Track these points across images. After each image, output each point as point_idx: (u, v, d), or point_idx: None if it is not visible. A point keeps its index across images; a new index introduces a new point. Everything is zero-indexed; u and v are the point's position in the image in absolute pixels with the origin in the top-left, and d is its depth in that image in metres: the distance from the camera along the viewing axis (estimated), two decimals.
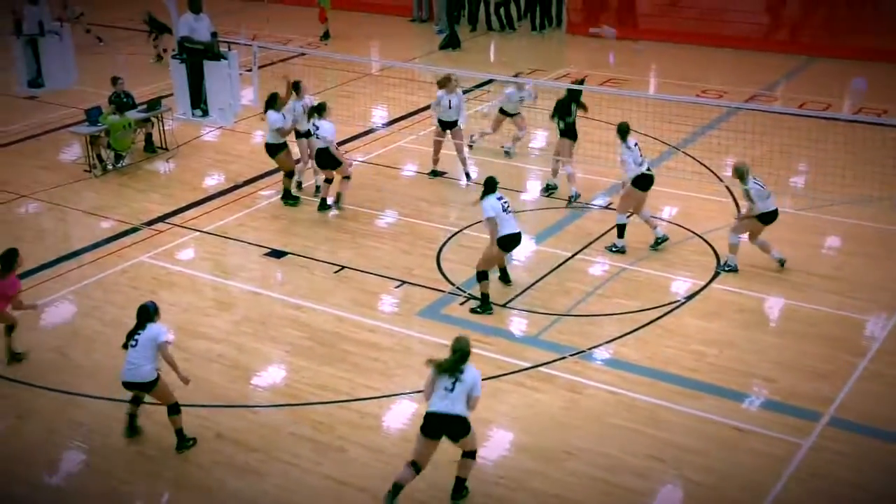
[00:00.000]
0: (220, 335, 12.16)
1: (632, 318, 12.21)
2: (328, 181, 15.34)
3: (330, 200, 15.36)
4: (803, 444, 9.91)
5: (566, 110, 15.47)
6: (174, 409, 10.06)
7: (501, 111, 17.26)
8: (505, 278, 13.09)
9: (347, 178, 15.34)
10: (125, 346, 9.93)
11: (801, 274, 13.14)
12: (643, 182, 13.61)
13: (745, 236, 13.15)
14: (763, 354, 11.45)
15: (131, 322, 12.24)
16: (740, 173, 12.96)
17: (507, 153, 17.35)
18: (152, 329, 9.86)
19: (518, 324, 12.25)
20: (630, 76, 22.09)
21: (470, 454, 9.14)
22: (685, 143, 17.64)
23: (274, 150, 15.50)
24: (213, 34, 16.05)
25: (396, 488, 8.94)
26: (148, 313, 9.97)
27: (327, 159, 15.02)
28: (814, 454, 9.78)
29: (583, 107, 15.60)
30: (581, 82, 17.17)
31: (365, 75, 22.57)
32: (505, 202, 12.32)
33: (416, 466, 8.96)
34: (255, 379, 11.30)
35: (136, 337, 9.83)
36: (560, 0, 26.61)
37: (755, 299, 12.58)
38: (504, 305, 12.62)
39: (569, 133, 15.55)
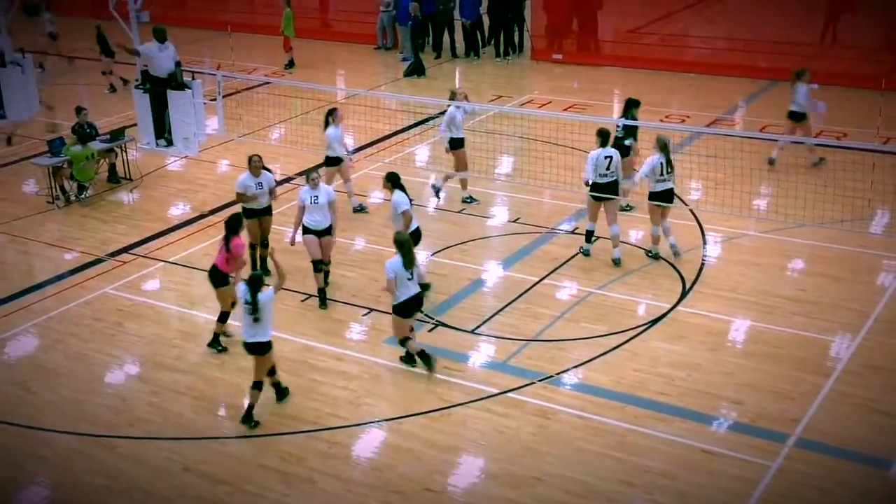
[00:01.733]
0: (187, 366, 12.06)
1: (599, 343, 12.25)
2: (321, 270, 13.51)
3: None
4: (771, 465, 9.96)
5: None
6: (273, 371, 11.17)
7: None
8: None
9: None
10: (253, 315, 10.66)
11: (766, 296, 13.25)
12: (594, 190, 14.00)
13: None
14: (730, 377, 11.52)
15: (98, 355, 12.27)
16: (661, 144, 13.79)
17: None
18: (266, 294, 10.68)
19: (486, 349, 12.24)
20: (593, 102, 22.26)
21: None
22: None
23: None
24: (177, 63, 16.04)
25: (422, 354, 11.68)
26: (260, 282, 10.65)
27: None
28: (782, 476, 9.83)
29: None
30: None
31: (330, 103, 22.54)
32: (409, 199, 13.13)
33: (407, 339, 11.71)
34: (222, 410, 11.21)
35: (258, 306, 10.59)
36: (522, 27, 26.80)
37: (721, 321, 12.66)
38: (472, 331, 12.62)
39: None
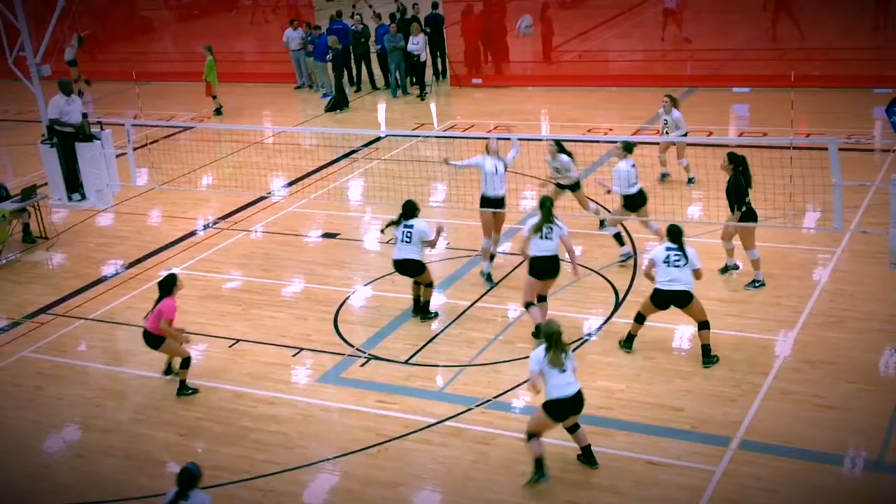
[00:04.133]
0: (112, 426, 11.56)
1: None
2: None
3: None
4: (716, 470, 9.76)
5: (744, 191, 13.04)
6: (430, 284, 13.14)
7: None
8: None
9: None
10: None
11: (700, 300, 13.10)
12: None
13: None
14: (669, 384, 11.33)
15: (17, 422, 11.74)
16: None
17: None
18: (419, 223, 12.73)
19: (421, 379, 11.93)
20: (517, 122, 22.19)
21: (577, 426, 9.96)
22: None
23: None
24: (84, 115, 15.60)
25: (538, 462, 9.72)
26: (413, 210, 12.76)
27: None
28: (728, 480, 9.63)
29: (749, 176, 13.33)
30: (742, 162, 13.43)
31: (254, 143, 22.24)
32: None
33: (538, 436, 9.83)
34: (149, 468, 10.71)
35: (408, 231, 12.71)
36: (444, 55, 26.67)
37: (657, 329, 12.46)
38: (406, 362, 12.30)
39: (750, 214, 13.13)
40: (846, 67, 22.57)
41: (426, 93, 25.47)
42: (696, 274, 11.56)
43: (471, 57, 26.73)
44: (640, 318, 11.97)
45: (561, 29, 27.47)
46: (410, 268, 13.05)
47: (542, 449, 9.73)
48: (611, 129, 20.88)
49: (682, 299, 11.53)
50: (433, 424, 10.93)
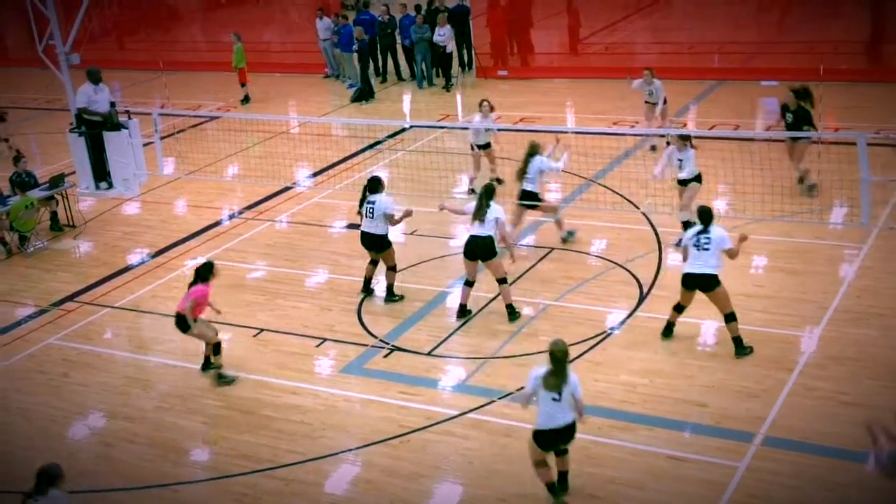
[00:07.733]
0: (136, 413, 11.67)
1: None
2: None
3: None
4: (739, 466, 9.73)
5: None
6: (393, 269, 13.45)
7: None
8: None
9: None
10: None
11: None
12: None
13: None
14: (693, 379, 11.29)
15: (43, 409, 11.85)
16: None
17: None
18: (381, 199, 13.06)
19: (444, 371, 11.95)
20: (542, 114, 22.13)
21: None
22: (601, 175, 17.62)
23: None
24: (112, 104, 15.71)
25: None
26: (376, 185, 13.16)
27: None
28: (750, 476, 9.60)
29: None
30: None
31: (280, 133, 22.30)
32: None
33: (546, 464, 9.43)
34: (173, 456, 10.80)
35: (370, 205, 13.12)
36: (470, 46, 26.61)
37: (680, 324, 12.38)
38: (429, 354, 12.32)
39: None
40: (874, 61, 22.33)
41: (452, 84, 25.44)
42: (729, 254, 11.46)
43: (497, 48, 26.66)
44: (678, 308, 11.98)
45: (588, 21, 27.34)
46: (372, 242, 13.42)
47: (550, 475, 9.41)
48: (637, 122, 20.77)
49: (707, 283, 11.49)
50: (456, 416, 10.95)
